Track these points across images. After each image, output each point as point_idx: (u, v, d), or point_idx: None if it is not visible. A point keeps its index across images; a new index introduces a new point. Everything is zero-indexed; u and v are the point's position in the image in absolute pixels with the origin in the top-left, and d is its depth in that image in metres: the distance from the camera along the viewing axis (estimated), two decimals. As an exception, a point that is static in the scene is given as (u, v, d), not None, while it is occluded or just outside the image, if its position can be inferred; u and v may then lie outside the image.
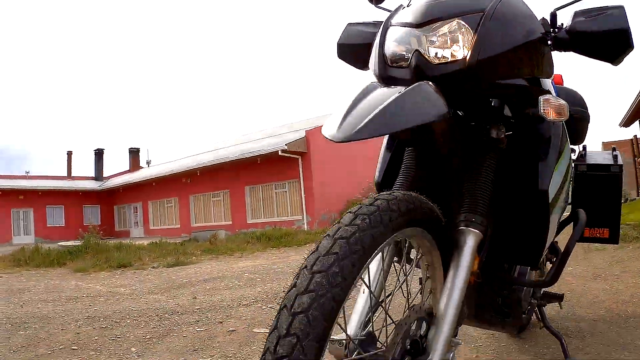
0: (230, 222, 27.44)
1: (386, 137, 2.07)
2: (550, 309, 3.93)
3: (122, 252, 13.57)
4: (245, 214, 27.11)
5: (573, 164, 2.90)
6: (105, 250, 14.16)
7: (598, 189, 2.82)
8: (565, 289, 4.51)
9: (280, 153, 23.76)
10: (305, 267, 1.20)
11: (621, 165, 2.84)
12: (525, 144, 1.80)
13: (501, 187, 1.80)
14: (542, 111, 1.62)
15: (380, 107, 1.33)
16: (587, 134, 3.16)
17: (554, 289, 4.03)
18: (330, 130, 1.37)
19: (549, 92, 1.75)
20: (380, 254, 1.59)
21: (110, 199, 40.69)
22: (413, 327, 1.49)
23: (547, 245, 1.90)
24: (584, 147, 3.09)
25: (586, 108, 3.07)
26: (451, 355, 1.53)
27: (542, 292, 2.75)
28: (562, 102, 1.65)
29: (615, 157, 2.91)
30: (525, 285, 2.15)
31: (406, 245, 1.62)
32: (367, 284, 1.50)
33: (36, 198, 37.24)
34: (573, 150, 3.03)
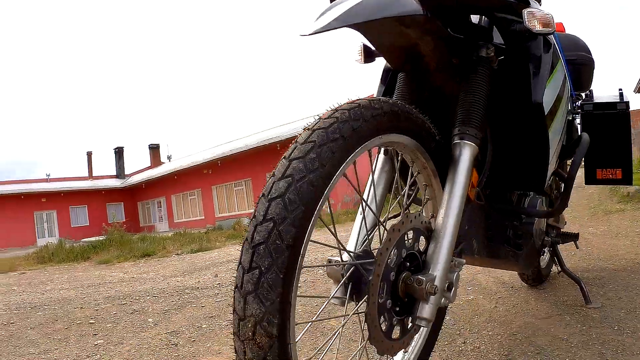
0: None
1: (381, 71, 2.07)
2: (569, 262, 3.91)
3: (146, 243, 13.71)
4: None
5: (580, 105, 2.88)
6: (129, 242, 14.32)
7: (606, 128, 2.82)
8: (586, 246, 4.49)
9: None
10: (284, 157, 1.20)
11: (627, 103, 2.85)
12: (516, 62, 1.79)
13: (497, 109, 1.80)
14: (527, 23, 1.62)
15: (351, 4, 1.33)
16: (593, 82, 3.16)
17: (572, 258, 3.99)
18: (303, 29, 1.38)
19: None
20: (371, 168, 1.59)
21: (133, 195, 41.23)
22: (410, 238, 1.49)
23: (551, 168, 1.89)
24: (590, 91, 3.07)
25: (590, 54, 3.05)
26: (454, 275, 1.53)
27: (556, 231, 2.72)
28: (548, 13, 1.64)
29: (621, 95, 2.87)
30: (533, 215, 2.12)
31: (399, 159, 1.62)
32: (365, 201, 1.52)
33: (59, 200, 37.86)
34: (580, 96, 3.00)
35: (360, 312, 1.37)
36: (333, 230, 1.35)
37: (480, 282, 3.63)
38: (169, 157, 45.56)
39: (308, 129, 1.24)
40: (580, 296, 2.79)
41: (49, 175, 42.50)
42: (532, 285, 3.30)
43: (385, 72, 2.05)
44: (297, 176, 1.14)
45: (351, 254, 1.43)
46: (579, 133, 2.94)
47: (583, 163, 2.95)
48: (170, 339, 3.05)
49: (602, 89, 3.18)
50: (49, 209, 37.68)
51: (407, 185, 1.66)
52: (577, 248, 3.44)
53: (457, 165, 1.58)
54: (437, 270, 1.46)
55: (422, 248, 1.55)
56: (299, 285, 4.56)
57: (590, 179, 2.94)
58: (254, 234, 1.11)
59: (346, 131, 1.23)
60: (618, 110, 2.80)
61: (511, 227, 2.12)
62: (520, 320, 2.62)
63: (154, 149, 46.02)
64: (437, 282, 1.44)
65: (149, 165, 45.40)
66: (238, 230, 15.48)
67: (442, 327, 2.62)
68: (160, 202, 38.40)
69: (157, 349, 2.86)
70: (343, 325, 1.48)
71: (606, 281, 3.20)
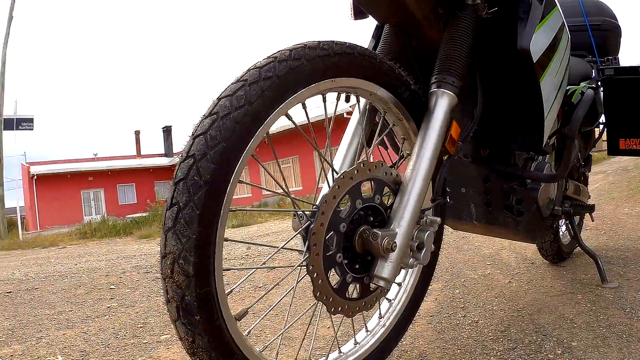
0: (301, 188, 27.73)
1: (374, 27, 2.03)
2: (597, 239, 3.84)
3: (188, 219, 13.95)
4: (315, 179, 27.33)
5: (599, 69, 2.76)
6: (172, 217, 14.58)
7: (628, 94, 2.68)
8: (617, 226, 4.37)
9: (345, 115, 23.73)
10: (217, 97, 1.20)
11: None
12: (505, 7, 1.71)
13: (487, 59, 1.76)
14: None
15: None
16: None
17: (601, 236, 3.84)
18: None
19: None
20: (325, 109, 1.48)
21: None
22: (371, 194, 1.44)
23: (548, 124, 1.81)
24: (616, 59, 2.96)
25: (616, 20, 2.95)
26: (426, 234, 1.44)
27: (570, 203, 2.61)
28: None
29: None
30: (533, 178, 2.02)
31: (366, 106, 1.59)
32: (321, 154, 1.45)
33: (106, 178, 38.68)
34: (604, 60, 2.89)
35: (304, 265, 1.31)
36: (283, 181, 1.36)
37: (502, 257, 3.60)
38: (217, 135, 46.13)
39: (246, 70, 1.23)
40: (598, 275, 2.71)
41: (96, 154, 43.51)
42: (552, 262, 3.24)
43: (378, 27, 1.98)
44: (222, 113, 1.13)
45: (314, 205, 1.37)
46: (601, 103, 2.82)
47: (605, 132, 2.85)
48: (180, 304, 3.15)
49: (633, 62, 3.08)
50: (96, 187, 38.48)
51: (377, 137, 1.61)
52: (593, 221, 3.35)
53: (432, 115, 1.51)
54: (400, 226, 1.39)
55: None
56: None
57: (612, 150, 2.80)
58: (177, 171, 1.12)
59: (282, 70, 1.20)
60: None
61: (511, 191, 2.03)
62: (530, 296, 2.58)
63: (202, 128, 46.59)
64: (398, 239, 1.37)
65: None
66: (282, 207, 15.62)
67: (447, 300, 2.64)
68: (208, 180, 38.91)
69: (164, 311, 2.95)
70: (298, 281, 1.45)
71: (629, 261, 3.10)
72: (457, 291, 2.82)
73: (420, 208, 1.45)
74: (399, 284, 1.78)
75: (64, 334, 2.69)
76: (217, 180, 1.10)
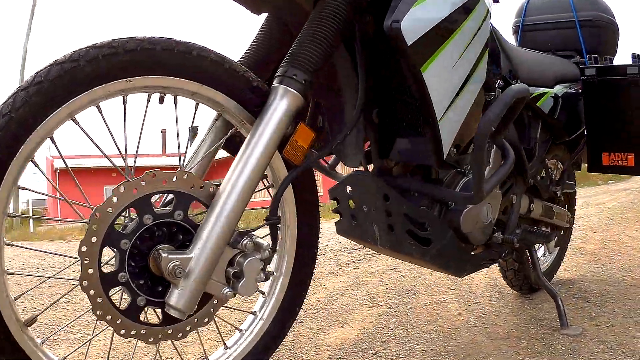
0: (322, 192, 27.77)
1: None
2: (587, 267, 3.47)
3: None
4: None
5: (580, 68, 2.40)
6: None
7: (613, 99, 2.29)
8: (617, 252, 3.91)
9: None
10: None
11: None
12: None
13: (372, 51, 1.52)
14: None
15: None
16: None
17: (595, 264, 3.39)
18: None
19: None
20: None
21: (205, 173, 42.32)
22: (167, 209, 1.29)
23: (449, 129, 1.50)
24: (609, 59, 2.65)
25: (611, 16, 2.66)
26: (247, 261, 1.27)
27: (522, 228, 2.12)
28: None
29: (636, 57, 2.40)
30: (440, 197, 1.71)
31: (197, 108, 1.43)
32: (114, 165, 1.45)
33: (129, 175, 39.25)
34: (591, 59, 2.55)
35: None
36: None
37: (473, 282, 3.18)
38: (244, 137, 46.72)
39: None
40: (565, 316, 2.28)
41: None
42: (520, 292, 2.85)
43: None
44: None
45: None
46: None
47: (586, 146, 2.47)
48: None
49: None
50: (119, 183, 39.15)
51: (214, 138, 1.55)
52: (549, 252, 2.97)
53: (264, 116, 1.32)
54: (201, 248, 1.23)
55: None
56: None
57: (594, 166, 2.43)
58: None
59: (53, 74, 1.15)
60: (628, 76, 2.23)
61: (414, 213, 1.69)
62: (468, 337, 2.25)
63: (229, 130, 47.11)
64: (192, 264, 1.21)
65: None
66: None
67: (375, 329, 2.37)
68: (231, 180, 39.31)
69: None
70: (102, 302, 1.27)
71: (610, 299, 2.67)
72: (393, 320, 2.51)
73: (232, 228, 1.27)
74: (254, 314, 1.57)
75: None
76: None
